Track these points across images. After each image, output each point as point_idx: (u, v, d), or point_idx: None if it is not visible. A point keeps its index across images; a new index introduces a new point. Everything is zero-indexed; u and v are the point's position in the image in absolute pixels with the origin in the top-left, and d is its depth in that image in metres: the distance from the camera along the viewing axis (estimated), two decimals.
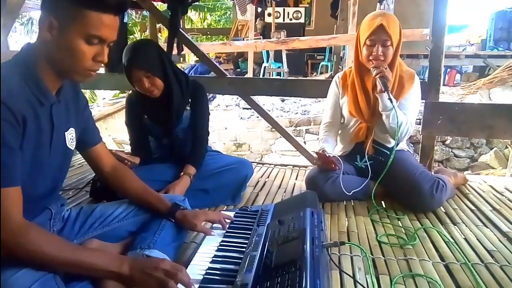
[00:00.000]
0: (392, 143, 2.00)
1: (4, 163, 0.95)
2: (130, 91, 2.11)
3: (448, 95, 6.53)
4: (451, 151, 5.68)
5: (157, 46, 1.90)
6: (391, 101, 1.82)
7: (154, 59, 1.79)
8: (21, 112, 0.98)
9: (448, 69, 8.11)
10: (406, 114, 1.92)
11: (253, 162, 2.60)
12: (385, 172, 1.85)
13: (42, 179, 1.15)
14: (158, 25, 4.70)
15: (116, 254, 1.16)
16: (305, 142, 5.71)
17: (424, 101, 2.39)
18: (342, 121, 2.15)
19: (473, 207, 1.99)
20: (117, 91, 7.81)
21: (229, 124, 6.26)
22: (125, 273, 1.03)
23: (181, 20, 3.49)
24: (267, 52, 7.99)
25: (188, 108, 1.97)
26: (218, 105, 6.36)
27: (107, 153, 1.43)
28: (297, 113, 6.23)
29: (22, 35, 9.32)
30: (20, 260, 0.97)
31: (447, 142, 5.67)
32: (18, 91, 1.00)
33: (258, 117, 5.70)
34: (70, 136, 1.22)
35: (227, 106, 6.37)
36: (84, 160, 2.71)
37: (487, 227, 1.76)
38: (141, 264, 1.06)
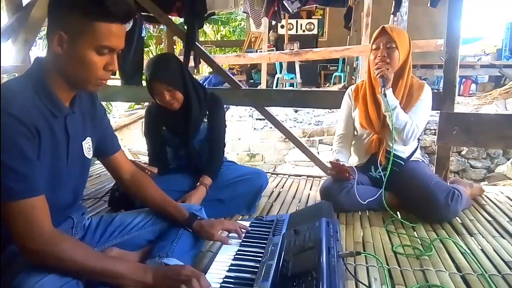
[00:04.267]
0: (406, 153, 2.03)
1: (25, 174, 0.98)
2: (149, 103, 2.15)
3: (463, 105, 6.47)
4: (467, 162, 5.60)
5: (178, 61, 1.96)
6: (386, 96, 1.85)
7: (176, 73, 1.84)
8: (34, 124, 1.00)
9: (463, 79, 8.06)
10: (412, 117, 1.93)
11: (268, 172, 2.61)
12: (399, 182, 1.85)
13: (63, 189, 1.18)
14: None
15: (139, 264, 1.19)
16: (318, 153, 5.71)
17: (439, 111, 2.39)
18: (355, 133, 2.17)
19: (489, 218, 1.97)
20: (132, 103, 7.92)
21: (242, 135, 6.30)
22: (148, 282, 1.07)
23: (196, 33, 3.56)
24: (280, 63, 8.05)
25: (206, 120, 2.01)
26: (232, 116, 6.41)
27: (126, 161, 1.45)
28: (310, 123, 6.24)
29: (41, 50, 9.52)
30: (48, 267, 0.99)
31: (463, 152, 5.59)
32: (30, 104, 1.02)
33: (271, 127, 5.73)
34: (87, 146, 1.25)
35: (240, 117, 6.41)
36: (101, 170, 2.79)
37: (504, 238, 1.74)
38: (163, 272, 1.09)
